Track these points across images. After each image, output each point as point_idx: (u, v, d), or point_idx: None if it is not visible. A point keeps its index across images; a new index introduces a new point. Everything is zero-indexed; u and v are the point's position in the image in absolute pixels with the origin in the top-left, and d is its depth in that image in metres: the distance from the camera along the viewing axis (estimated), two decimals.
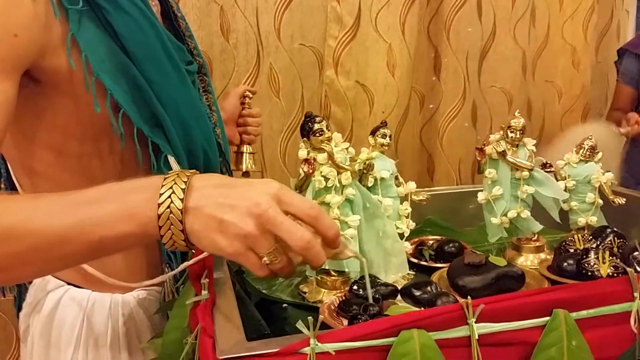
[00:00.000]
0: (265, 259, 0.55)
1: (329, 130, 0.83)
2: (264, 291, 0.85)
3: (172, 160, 0.79)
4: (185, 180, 0.56)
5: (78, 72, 0.72)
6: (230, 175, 1.00)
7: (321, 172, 0.81)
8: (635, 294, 0.62)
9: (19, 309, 0.94)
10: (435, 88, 1.99)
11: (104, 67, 0.74)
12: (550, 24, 2.15)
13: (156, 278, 0.78)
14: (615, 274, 0.79)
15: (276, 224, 0.54)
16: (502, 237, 0.96)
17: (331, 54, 1.77)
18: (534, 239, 0.96)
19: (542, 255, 0.95)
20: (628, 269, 0.62)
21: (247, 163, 1.19)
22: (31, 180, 0.81)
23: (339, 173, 0.82)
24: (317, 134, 0.81)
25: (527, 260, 0.95)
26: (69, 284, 0.87)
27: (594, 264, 0.81)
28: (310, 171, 0.79)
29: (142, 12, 0.79)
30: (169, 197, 0.55)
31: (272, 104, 1.75)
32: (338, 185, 0.82)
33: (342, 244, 0.61)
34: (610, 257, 0.81)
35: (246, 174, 1.21)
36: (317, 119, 0.82)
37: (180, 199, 0.55)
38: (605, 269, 0.80)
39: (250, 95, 1.23)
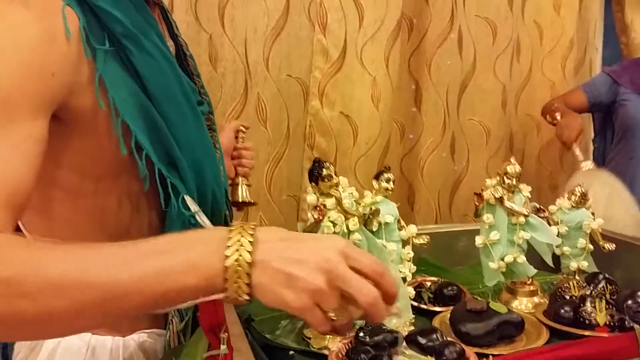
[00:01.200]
0: (331, 314, 0.54)
1: (337, 176, 0.84)
2: (267, 336, 0.84)
3: (189, 200, 0.78)
4: (252, 232, 0.55)
5: (102, 112, 0.71)
6: (231, 214, 0.99)
7: (329, 218, 0.81)
8: None
9: (4, 356, 0.90)
10: (416, 120, 2.02)
11: (127, 107, 0.73)
12: (532, 59, 2.21)
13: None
14: (611, 323, 0.82)
15: (345, 280, 0.54)
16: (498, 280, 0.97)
17: (316, 85, 1.78)
18: (528, 282, 0.98)
19: (536, 299, 0.97)
20: (635, 326, 0.64)
21: (242, 194, 1.19)
22: (42, 220, 0.79)
23: (346, 218, 0.82)
24: (326, 180, 0.82)
25: (522, 304, 0.97)
26: None
27: (591, 312, 0.83)
28: (320, 218, 0.79)
29: (163, 53, 0.78)
30: (237, 250, 0.53)
31: (259, 133, 1.74)
32: (345, 230, 0.82)
33: None
34: (607, 306, 0.83)
35: (240, 205, 1.21)
36: (326, 165, 0.82)
37: (248, 252, 0.53)
38: (602, 318, 0.82)
39: (244, 130, 1.24)
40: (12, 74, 0.62)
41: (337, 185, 0.83)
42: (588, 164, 1.72)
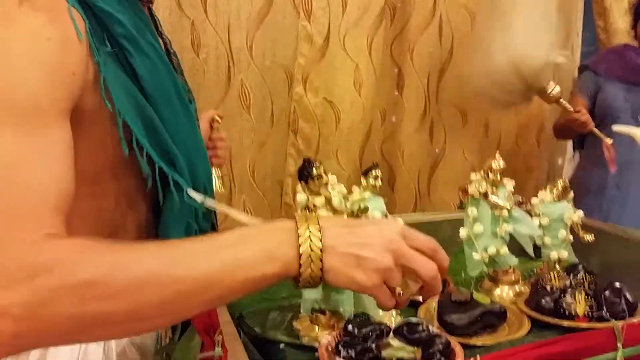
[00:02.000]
0: (398, 289, 0.60)
1: (326, 175, 0.85)
2: (258, 330, 0.86)
3: (193, 192, 0.78)
4: (317, 221, 0.60)
5: (103, 113, 0.70)
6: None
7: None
8: (619, 344, 0.67)
9: None
10: (398, 104, 2.03)
11: (126, 107, 0.73)
12: None
13: None
14: (590, 313, 0.85)
15: (409, 257, 0.60)
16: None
17: (300, 72, 1.78)
18: (510, 271, 1.01)
19: (518, 288, 1.00)
20: (614, 322, 0.67)
21: (216, 186, 1.19)
22: None
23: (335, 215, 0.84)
24: (316, 179, 0.83)
25: (504, 292, 1.00)
26: None
27: (571, 302, 0.86)
28: None
29: (158, 53, 0.78)
30: (308, 237, 0.58)
31: (243, 120, 1.74)
32: None
33: None
34: (586, 298, 0.86)
35: None
36: (316, 165, 0.83)
37: (319, 239, 0.58)
38: (581, 309, 0.85)
39: (219, 121, 1.23)
40: (39, 79, 0.61)
41: (326, 184, 0.84)
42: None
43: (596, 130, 1.80)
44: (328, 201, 0.83)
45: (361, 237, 0.59)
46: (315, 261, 0.58)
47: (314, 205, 0.81)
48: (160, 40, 0.88)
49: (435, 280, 0.62)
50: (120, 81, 0.73)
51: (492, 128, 2.28)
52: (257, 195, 1.78)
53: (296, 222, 0.59)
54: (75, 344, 0.77)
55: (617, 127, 1.01)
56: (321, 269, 0.58)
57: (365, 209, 0.88)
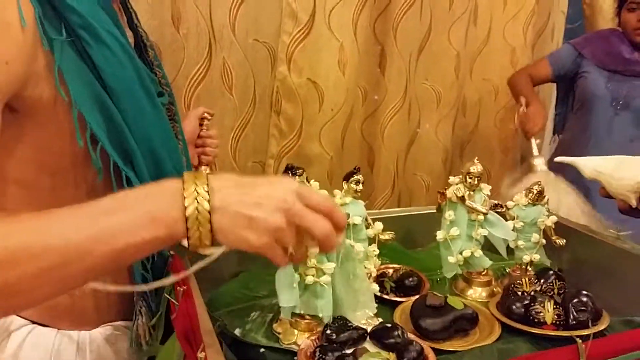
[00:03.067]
0: (290, 249, 0.60)
1: (309, 183, 0.85)
2: (238, 333, 0.87)
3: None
4: (206, 181, 0.58)
5: (59, 103, 0.70)
6: None
7: None
8: None
9: None
10: (379, 84, 2.02)
11: (83, 99, 0.72)
12: (492, 24, 2.20)
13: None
14: (558, 322, 0.88)
15: (301, 216, 0.59)
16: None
17: (284, 51, 1.75)
18: (483, 273, 1.03)
19: (490, 289, 1.03)
20: (577, 340, 0.70)
21: None
22: None
23: None
24: None
25: (476, 293, 1.03)
26: (33, 322, 0.84)
27: (540, 311, 0.89)
28: None
29: (122, 45, 0.76)
30: (195, 199, 0.57)
31: (225, 99, 1.72)
32: None
33: None
34: (555, 306, 0.90)
35: None
36: (299, 172, 0.83)
37: (206, 200, 0.57)
38: (549, 317, 0.88)
39: (209, 117, 1.21)
40: None
41: None
42: (540, 163, 1.72)
43: (533, 142, 1.80)
44: None
45: (252, 197, 0.58)
46: (203, 223, 0.57)
47: None
48: (130, 33, 0.87)
49: (328, 237, 0.61)
50: (79, 71, 0.71)
51: (469, 109, 2.29)
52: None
53: (183, 183, 0.58)
54: None
55: (559, 159, 1.02)
56: (211, 230, 0.57)
57: (347, 216, 0.89)
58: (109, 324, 0.88)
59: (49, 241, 0.54)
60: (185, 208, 0.56)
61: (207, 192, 0.57)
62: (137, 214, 0.56)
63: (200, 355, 0.64)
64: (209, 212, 0.56)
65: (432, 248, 1.15)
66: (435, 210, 1.07)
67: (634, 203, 0.92)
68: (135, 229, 0.56)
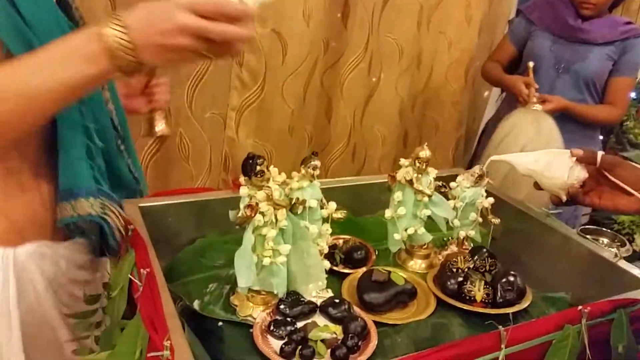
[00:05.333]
0: (206, 53, 0.73)
1: (269, 171, 0.88)
2: (196, 307, 0.92)
3: None
4: (119, 21, 0.70)
5: None
6: (124, 142, 1.02)
7: (260, 210, 0.87)
8: (502, 345, 0.78)
9: None
10: (342, 36, 2.00)
11: (5, 29, 0.76)
12: None
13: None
14: (487, 300, 0.97)
15: (205, 32, 0.70)
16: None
17: None
18: (424, 247, 1.11)
19: (429, 261, 1.11)
20: (500, 328, 0.78)
21: (160, 127, 1.17)
22: None
23: (275, 209, 0.88)
24: (259, 175, 0.86)
25: (416, 265, 1.10)
26: None
27: (471, 290, 0.98)
28: (253, 214, 0.85)
29: None
30: (114, 35, 0.70)
31: None
32: (274, 220, 0.89)
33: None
34: (485, 286, 0.98)
35: (161, 138, 1.21)
36: (259, 161, 0.86)
37: (123, 38, 0.70)
38: (479, 295, 0.97)
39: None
40: None
41: (268, 180, 0.88)
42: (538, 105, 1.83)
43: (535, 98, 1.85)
44: (269, 198, 0.87)
45: (158, 26, 0.69)
46: (127, 53, 0.70)
47: (257, 204, 0.85)
48: None
49: (237, 36, 0.72)
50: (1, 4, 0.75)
51: (424, 62, 2.31)
52: (194, 129, 1.75)
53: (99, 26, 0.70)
54: None
55: (494, 157, 1.08)
56: (134, 60, 0.70)
57: (304, 202, 0.93)
58: (33, 242, 0.90)
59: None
60: (105, 42, 0.69)
61: (123, 30, 0.70)
62: (59, 57, 0.71)
63: (166, 343, 0.69)
64: (130, 48, 0.70)
65: (379, 215, 1.22)
66: (385, 180, 1.11)
67: (564, 198, 1.00)
68: (64, 73, 0.71)
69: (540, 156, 1.02)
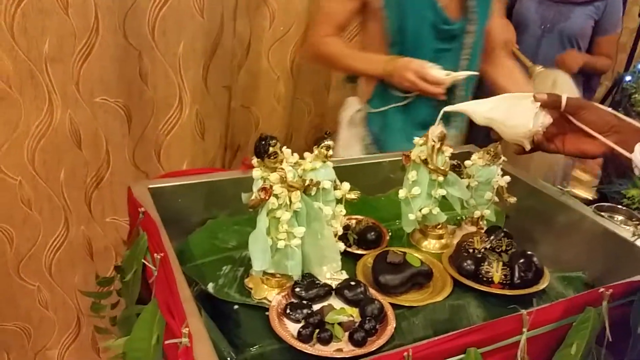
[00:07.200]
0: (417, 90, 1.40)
1: (282, 152, 0.85)
2: (211, 290, 0.89)
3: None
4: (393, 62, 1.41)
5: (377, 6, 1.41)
6: None
7: (274, 192, 0.84)
8: (524, 329, 0.76)
9: None
10: None
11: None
12: None
13: None
14: (505, 282, 0.94)
15: (414, 84, 1.38)
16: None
17: None
18: (438, 227, 1.08)
19: (443, 241, 1.08)
20: (523, 312, 0.76)
21: None
22: None
23: (289, 191, 0.85)
24: (272, 157, 0.83)
25: (430, 245, 1.08)
26: None
27: (488, 270, 0.95)
28: (267, 197, 0.82)
29: None
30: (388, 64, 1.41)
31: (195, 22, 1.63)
32: (288, 202, 0.86)
33: None
34: (502, 267, 0.96)
35: None
36: (272, 142, 0.83)
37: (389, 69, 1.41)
38: (497, 277, 0.95)
39: None
40: None
41: (282, 161, 0.84)
42: (539, 67, 2.04)
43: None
44: (283, 180, 0.84)
45: (401, 72, 1.37)
46: (388, 74, 1.41)
47: (271, 187, 0.82)
48: None
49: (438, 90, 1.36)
50: None
51: None
52: (207, 104, 1.73)
53: (387, 59, 1.43)
54: None
55: (448, 108, 0.99)
56: (390, 78, 1.42)
57: (318, 183, 0.90)
58: None
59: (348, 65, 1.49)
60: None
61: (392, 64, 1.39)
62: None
63: (184, 330, 0.67)
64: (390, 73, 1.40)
65: (391, 194, 1.19)
66: (396, 158, 1.08)
67: (528, 147, 0.92)
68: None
69: (499, 102, 0.92)
